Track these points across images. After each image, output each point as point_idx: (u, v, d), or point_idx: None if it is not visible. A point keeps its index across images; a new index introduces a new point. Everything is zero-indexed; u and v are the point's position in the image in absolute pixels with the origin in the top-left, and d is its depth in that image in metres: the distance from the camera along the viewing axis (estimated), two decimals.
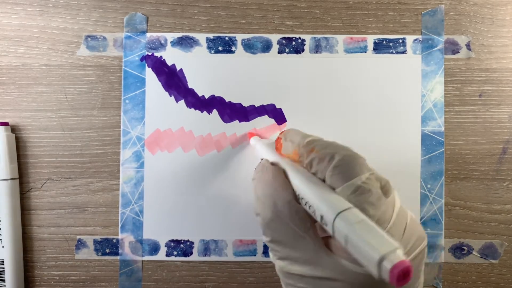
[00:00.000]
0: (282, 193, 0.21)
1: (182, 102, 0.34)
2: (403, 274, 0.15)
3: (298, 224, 0.21)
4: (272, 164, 0.24)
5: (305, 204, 0.21)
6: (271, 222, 0.21)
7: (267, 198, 0.22)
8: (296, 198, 0.21)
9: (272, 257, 0.23)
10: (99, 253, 0.34)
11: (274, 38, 0.34)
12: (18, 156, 0.34)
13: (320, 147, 0.21)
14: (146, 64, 0.34)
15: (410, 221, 0.20)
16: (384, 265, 0.15)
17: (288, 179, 0.22)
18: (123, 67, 0.34)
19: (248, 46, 0.34)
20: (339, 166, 0.20)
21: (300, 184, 0.21)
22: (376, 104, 0.34)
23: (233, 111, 0.34)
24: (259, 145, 0.28)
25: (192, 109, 0.34)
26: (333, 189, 0.20)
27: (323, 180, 0.21)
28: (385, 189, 0.20)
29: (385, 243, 0.16)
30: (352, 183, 0.19)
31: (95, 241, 0.34)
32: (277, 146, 0.25)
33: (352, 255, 0.17)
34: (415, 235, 0.20)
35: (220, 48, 0.34)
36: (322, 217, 0.19)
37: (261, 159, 0.27)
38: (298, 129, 0.24)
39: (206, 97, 0.34)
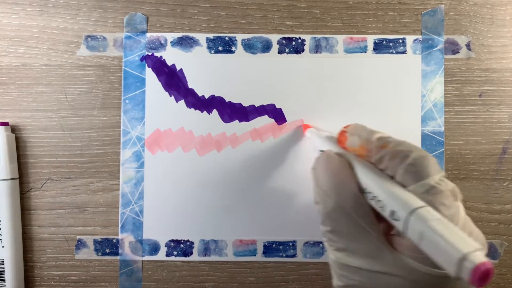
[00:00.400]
0: (347, 184, 0.22)
1: (182, 102, 0.34)
2: (485, 275, 0.15)
3: (362, 217, 0.21)
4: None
5: (372, 198, 0.21)
6: (332, 212, 0.22)
7: (330, 188, 0.22)
8: (360, 191, 0.21)
9: (327, 247, 0.23)
10: (99, 253, 0.34)
11: (274, 38, 0.34)
12: (18, 156, 0.34)
13: (394, 144, 0.21)
14: (146, 64, 0.34)
15: (474, 227, 0.21)
16: (466, 264, 0.15)
17: (353, 171, 0.22)
18: (123, 67, 0.34)
19: (248, 46, 0.34)
20: (413, 165, 0.20)
21: (368, 178, 0.21)
22: (376, 104, 0.34)
23: (233, 111, 0.34)
24: (319, 137, 0.28)
25: (192, 109, 0.34)
26: (404, 186, 0.20)
27: (391, 177, 0.21)
28: (454, 193, 0.20)
29: (466, 242, 0.16)
30: (426, 183, 0.19)
31: (95, 241, 0.34)
32: (340, 139, 0.25)
33: (425, 252, 0.17)
34: (479, 242, 0.20)
35: (220, 48, 0.34)
36: (393, 213, 0.19)
37: (321, 151, 0.27)
38: (363, 124, 0.25)
39: (206, 97, 0.34)
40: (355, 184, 0.22)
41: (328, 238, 0.22)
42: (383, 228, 0.21)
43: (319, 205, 0.23)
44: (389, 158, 0.21)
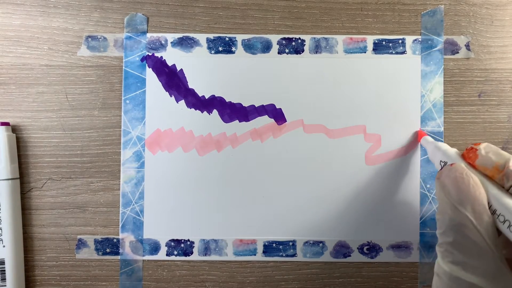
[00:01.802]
0: (481, 201, 0.22)
1: (182, 102, 0.34)
2: None
3: (489, 236, 0.21)
4: None
5: (503, 222, 0.21)
6: (460, 226, 0.22)
7: (462, 202, 0.22)
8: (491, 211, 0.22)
9: (441, 257, 0.23)
10: (100, 253, 0.34)
11: (274, 38, 0.34)
12: (19, 156, 0.34)
13: None
14: (146, 65, 0.34)
15: None
16: None
17: (485, 190, 0.23)
18: (123, 68, 0.34)
19: (248, 47, 0.34)
20: None
21: (503, 201, 0.21)
22: (376, 104, 0.34)
23: (233, 111, 0.34)
24: (440, 147, 0.28)
25: (192, 109, 0.34)
26: None
27: None
28: None
29: None
30: None
31: (95, 241, 0.34)
32: (468, 155, 0.25)
33: None
34: None
35: (220, 49, 0.34)
36: None
37: (442, 162, 0.27)
38: (495, 146, 0.25)
39: (206, 97, 0.34)
40: (486, 202, 0.22)
41: (445, 249, 0.23)
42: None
43: (444, 215, 0.23)
44: None
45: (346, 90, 0.34)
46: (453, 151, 0.27)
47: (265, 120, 0.34)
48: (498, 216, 0.21)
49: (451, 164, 0.24)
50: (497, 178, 0.23)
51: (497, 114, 0.34)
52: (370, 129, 0.34)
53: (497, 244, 0.21)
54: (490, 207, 0.22)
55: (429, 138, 0.32)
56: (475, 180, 0.23)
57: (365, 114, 0.34)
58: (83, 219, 0.34)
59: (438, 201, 0.24)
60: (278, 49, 0.34)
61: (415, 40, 0.34)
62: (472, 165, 0.25)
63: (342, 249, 0.34)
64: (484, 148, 0.25)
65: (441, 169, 0.25)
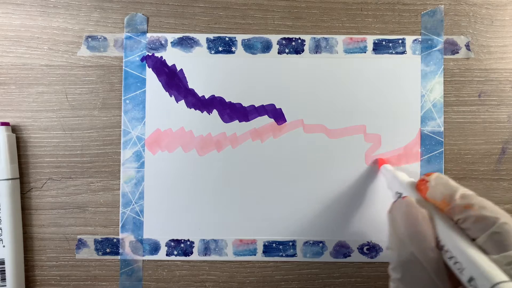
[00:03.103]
0: (427, 237, 0.21)
1: (182, 102, 0.34)
2: None
3: (436, 273, 0.21)
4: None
5: (449, 258, 0.21)
6: (407, 262, 0.22)
7: (409, 238, 0.22)
8: (438, 246, 0.21)
9: None
10: (100, 253, 0.34)
11: (274, 38, 0.34)
12: (19, 156, 0.34)
13: (479, 206, 0.21)
14: (146, 65, 0.34)
15: None
16: None
17: (432, 225, 0.22)
18: (123, 68, 0.34)
19: (248, 47, 0.34)
20: (497, 233, 0.20)
21: (450, 237, 0.21)
22: (376, 104, 0.34)
23: (233, 111, 0.34)
24: (397, 177, 0.28)
25: (192, 109, 0.34)
26: (485, 252, 0.20)
27: (472, 239, 0.21)
28: None
29: None
30: (510, 255, 0.19)
31: (95, 241, 0.34)
32: (420, 187, 0.25)
33: None
34: None
35: (220, 49, 0.34)
36: (471, 279, 0.19)
37: (397, 193, 0.27)
38: (446, 176, 0.24)
39: (206, 97, 0.34)
40: (434, 239, 0.22)
41: (396, 285, 0.22)
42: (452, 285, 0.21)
43: (393, 251, 0.23)
44: (473, 221, 0.21)
45: (346, 90, 0.34)
46: (408, 181, 0.27)
47: (265, 120, 0.34)
48: (446, 252, 0.21)
49: (403, 197, 0.24)
50: (446, 211, 0.23)
51: (497, 114, 0.34)
52: (370, 129, 0.34)
53: (445, 279, 0.21)
54: (439, 242, 0.22)
55: (389, 167, 0.31)
56: (422, 215, 0.22)
57: (365, 114, 0.34)
58: (83, 219, 0.34)
59: (388, 236, 0.24)
60: (278, 49, 0.34)
61: (415, 40, 0.34)
62: (424, 197, 0.24)
63: (342, 249, 0.34)
64: (434, 179, 0.24)
65: (394, 202, 0.25)
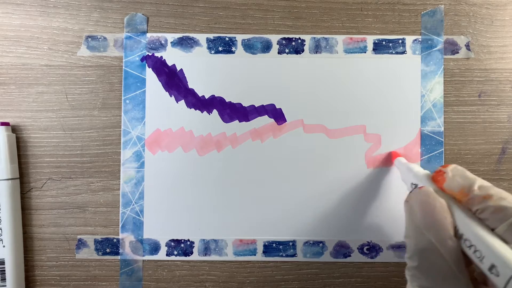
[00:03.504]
0: (446, 226, 0.22)
1: (182, 102, 0.34)
2: None
3: (454, 261, 0.21)
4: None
5: (469, 246, 0.21)
6: (424, 251, 0.22)
7: (427, 226, 0.22)
8: (456, 235, 0.22)
9: (409, 280, 0.23)
10: (100, 253, 0.34)
11: (274, 38, 0.34)
12: (19, 156, 0.34)
13: (498, 197, 0.21)
14: (146, 65, 0.34)
15: None
16: None
17: (450, 214, 0.22)
18: (123, 67, 0.34)
19: (248, 47, 0.34)
20: None
21: (469, 226, 0.21)
22: (376, 104, 0.34)
23: (233, 111, 0.34)
24: (411, 169, 0.28)
25: (192, 109, 0.34)
26: (504, 241, 0.20)
27: (491, 229, 0.21)
28: None
29: None
30: None
31: (95, 241, 0.34)
32: (437, 178, 0.25)
33: None
34: None
35: (220, 49, 0.34)
36: (493, 267, 0.19)
37: (413, 184, 0.27)
38: (463, 168, 0.25)
39: (206, 97, 0.34)
40: (452, 228, 0.22)
41: (412, 273, 0.22)
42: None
43: (410, 239, 0.23)
44: (492, 211, 0.21)
45: (346, 90, 0.34)
46: (423, 173, 0.27)
47: (265, 120, 0.34)
48: (465, 241, 0.21)
49: (420, 187, 0.24)
50: (464, 202, 0.23)
51: (497, 114, 0.34)
52: (370, 129, 0.34)
53: (463, 268, 0.21)
54: (457, 231, 0.22)
55: (403, 160, 0.31)
56: (441, 204, 0.22)
57: (365, 114, 0.34)
58: (83, 219, 0.34)
59: (405, 224, 0.24)
60: (278, 49, 0.34)
61: (415, 40, 0.34)
62: (441, 188, 0.24)
63: (342, 249, 0.34)
64: (451, 170, 0.24)
65: (410, 191, 0.25)
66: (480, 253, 0.20)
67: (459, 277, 0.21)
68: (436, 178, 0.25)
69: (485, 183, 0.23)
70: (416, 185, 0.27)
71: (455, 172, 0.24)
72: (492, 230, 0.21)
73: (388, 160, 0.34)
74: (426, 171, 0.27)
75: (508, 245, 0.20)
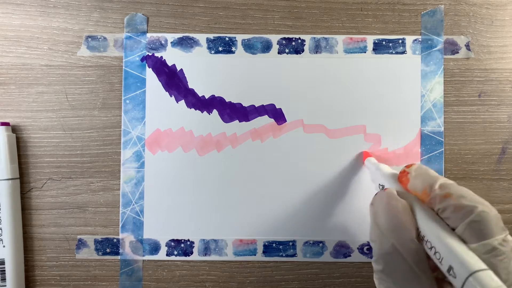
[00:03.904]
0: (407, 228, 0.21)
1: (182, 102, 0.34)
2: None
3: (417, 263, 0.21)
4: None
5: (430, 248, 0.21)
6: (388, 254, 0.22)
7: (389, 229, 0.22)
8: (418, 237, 0.21)
9: (377, 285, 0.23)
10: (100, 253, 0.34)
11: (274, 38, 0.34)
12: (19, 156, 0.34)
13: (457, 195, 0.21)
14: (146, 65, 0.34)
15: None
16: None
17: (413, 216, 0.22)
18: (123, 67, 0.34)
19: (248, 47, 0.34)
20: (476, 222, 0.20)
21: (429, 228, 0.21)
22: (376, 104, 0.34)
23: (233, 111, 0.34)
24: (380, 169, 0.28)
25: (192, 109, 0.34)
26: (464, 241, 0.20)
27: (452, 229, 0.21)
28: None
29: None
30: (488, 243, 0.19)
31: (95, 241, 0.34)
32: (401, 179, 0.25)
33: None
34: None
35: (220, 49, 0.34)
36: (450, 268, 0.19)
37: (380, 185, 0.27)
38: (426, 167, 0.24)
39: (206, 97, 0.34)
40: (414, 230, 0.22)
41: (379, 277, 0.22)
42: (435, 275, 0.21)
43: (375, 243, 0.23)
44: (452, 210, 0.21)
45: (346, 90, 0.34)
46: (391, 173, 0.27)
47: (265, 120, 0.34)
48: (426, 242, 0.21)
49: (384, 189, 0.24)
50: (426, 202, 0.22)
51: (497, 114, 0.34)
52: (370, 129, 0.34)
53: (427, 270, 0.21)
54: (419, 233, 0.22)
55: (373, 160, 0.31)
56: (403, 206, 0.22)
57: (365, 114, 0.34)
58: (83, 219, 0.34)
59: (370, 228, 0.24)
60: (278, 49, 0.34)
61: (415, 40, 0.34)
62: (406, 189, 0.24)
63: (342, 249, 0.34)
64: (415, 170, 0.24)
65: (376, 193, 0.25)
66: (439, 255, 0.20)
67: (423, 279, 0.21)
68: (401, 178, 0.25)
69: (447, 181, 0.22)
70: (383, 186, 0.26)
71: (418, 172, 0.24)
72: (453, 229, 0.21)
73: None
74: (394, 172, 0.27)
75: (467, 245, 0.20)
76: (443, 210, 0.21)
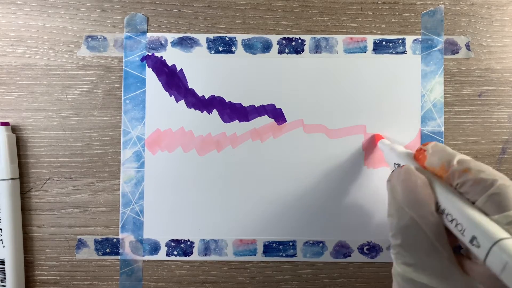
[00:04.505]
0: (427, 201, 0.22)
1: (182, 102, 0.34)
2: None
3: (437, 236, 0.21)
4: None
5: (450, 221, 0.21)
6: (407, 228, 0.22)
7: (409, 203, 0.22)
8: (438, 211, 0.22)
9: (394, 259, 0.23)
10: (100, 253, 0.34)
11: (274, 38, 0.34)
12: (19, 156, 0.34)
13: (477, 169, 0.21)
14: (146, 65, 0.34)
15: None
16: None
17: (432, 190, 0.22)
18: (123, 67, 0.34)
19: (248, 47, 0.34)
20: (497, 194, 0.20)
21: (449, 200, 0.21)
22: (376, 104, 0.34)
23: (233, 111, 0.34)
24: (394, 150, 0.28)
25: (192, 109, 0.34)
26: (485, 214, 0.20)
27: (472, 203, 0.21)
28: None
29: None
30: (510, 214, 0.19)
31: (95, 241, 0.34)
32: (418, 157, 0.25)
33: (506, 284, 0.17)
34: None
35: (220, 49, 0.34)
36: (473, 239, 0.19)
37: (396, 164, 0.27)
38: (443, 144, 0.25)
39: (206, 97, 0.34)
40: (433, 203, 0.22)
41: (397, 251, 0.23)
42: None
43: (393, 217, 0.23)
44: (472, 184, 0.21)
45: (346, 90, 0.34)
46: (406, 152, 0.27)
47: (265, 120, 0.34)
48: (446, 215, 0.21)
49: (402, 166, 0.24)
50: (444, 177, 0.23)
51: (497, 114, 0.34)
52: (370, 129, 0.34)
53: (446, 243, 0.21)
54: (439, 207, 0.22)
55: (386, 141, 0.32)
56: (422, 181, 0.23)
57: (365, 114, 0.34)
58: (83, 219, 0.34)
59: (388, 203, 0.24)
60: (278, 49, 0.34)
61: (415, 40, 0.34)
62: (423, 166, 0.25)
63: (342, 249, 0.34)
64: (432, 147, 0.25)
65: (393, 171, 0.25)
66: (461, 226, 0.20)
67: (442, 252, 0.21)
68: (417, 156, 0.25)
69: (465, 157, 0.23)
70: (398, 165, 0.27)
71: (435, 149, 0.24)
72: (473, 203, 0.21)
73: (382, 157, 0.34)
74: (409, 151, 0.27)
75: (488, 217, 0.20)
76: (462, 184, 0.22)
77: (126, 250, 0.34)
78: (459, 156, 0.23)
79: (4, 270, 0.32)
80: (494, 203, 0.20)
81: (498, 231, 0.19)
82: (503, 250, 0.18)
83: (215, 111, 0.34)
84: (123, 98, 0.34)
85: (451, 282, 0.20)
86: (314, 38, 0.34)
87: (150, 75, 0.34)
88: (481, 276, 0.20)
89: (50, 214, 0.34)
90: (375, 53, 0.34)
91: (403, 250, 0.22)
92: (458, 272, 0.20)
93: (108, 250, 0.34)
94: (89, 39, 0.34)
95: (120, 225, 0.34)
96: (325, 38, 0.34)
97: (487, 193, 0.20)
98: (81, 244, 0.34)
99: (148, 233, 0.34)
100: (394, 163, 0.27)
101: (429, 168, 0.24)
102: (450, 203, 0.21)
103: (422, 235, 0.21)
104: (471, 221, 0.20)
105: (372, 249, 0.34)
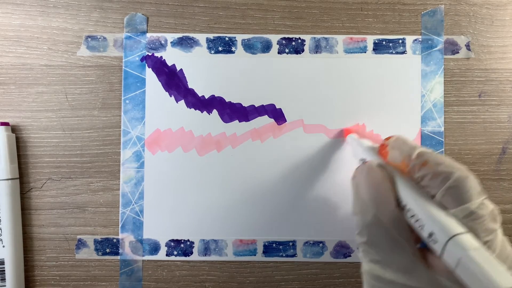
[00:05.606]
0: (387, 198, 0.22)
1: (182, 102, 0.34)
2: None
3: (399, 232, 0.21)
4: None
5: (411, 216, 0.21)
6: (371, 225, 0.22)
7: (370, 200, 0.22)
8: (399, 206, 0.22)
9: (362, 258, 0.23)
10: (100, 253, 0.34)
11: (274, 38, 0.34)
12: (19, 156, 0.34)
13: (434, 162, 0.21)
14: (146, 65, 0.34)
15: (510, 251, 0.20)
16: None
17: (394, 186, 0.22)
18: (123, 67, 0.34)
19: (248, 46, 0.34)
20: (454, 187, 0.20)
21: (409, 196, 0.21)
22: (376, 104, 0.34)
23: (233, 111, 0.34)
24: (361, 145, 0.28)
25: (192, 109, 0.34)
26: (444, 207, 0.20)
27: (432, 196, 0.21)
28: (493, 216, 0.20)
29: (505, 278, 0.16)
30: (466, 207, 0.19)
31: (95, 241, 0.34)
32: (381, 152, 0.25)
33: (460, 279, 0.18)
34: None
35: (220, 48, 0.34)
36: (431, 234, 0.19)
37: (362, 160, 0.27)
38: (406, 137, 0.24)
39: (206, 97, 0.34)
40: (394, 200, 0.22)
41: (363, 249, 0.23)
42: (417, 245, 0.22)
43: (358, 215, 0.23)
44: (431, 177, 0.21)
45: (346, 90, 0.34)
46: (372, 147, 0.27)
47: (265, 120, 0.34)
48: (407, 211, 0.21)
49: (365, 162, 0.24)
50: (406, 172, 0.23)
51: (497, 114, 0.34)
52: (370, 129, 0.34)
53: (409, 238, 0.21)
54: (400, 202, 0.22)
55: (354, 136, 0.31)
56: (383, 177, 0.23)
57: (365, 114, 0.34)
58: (83, 219, 0.34)
59: (352, 201, 0.24)
60: (278, 49, 0.34)
61: (415, 40, 0.34)
62: (386, 161, 0.24)
63: (342, 249, 0.34)
64: (393, 142, 0.24)
65: (357, 167, 0.25)
66: (420, 222, 0.20)
67: (405, 247, 0.21)
68: (381, 151, 0.25)
69: (424, 150, 0.23)
70: (364, 160, 0.26)
71: (396, 143, 0.24)
72: (433, 197, 0.21)
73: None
74: (374, 145, 0.27)
75: (446, 211, 0.20)
76: (421, 178, 0.22)
77: (126, 250, 0.34)
78: (419, 149, 0.23)
79: (4, 270, 0.32)
80: (451, 196, 0.20)
81: (454, 227, 0.19)
82: (457, 246, 0.18)
83: (215, 111, 0.34)
84: (123, 98, 0.34)
85: (415, 277, 0.20)
86: (314, 38, 0.34)
87: (150, 75, 0.34)
88: (443, 269, 0.20)
89: (50, 214, 0.34)
90: (375, 53, 0.34)
91: (368, 247, 0.22)
92: (422, 267, 0.20)
93: (108, 250, 0.34)
94: (89, 39, 0.34)
95: (120, 225, 0.34)
96: (325, 38, 0.34)
97: (444, 187, 0.20)
98: (81, 244, 0.34)
99: (148, 233, 0.34)
100: (360, 159, 0.27)
101: (391, 163, 0.24)
102: (410, 198, 0.21)
103: (385, 232, 0.21)
104: (428, 216, 0.20)
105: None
